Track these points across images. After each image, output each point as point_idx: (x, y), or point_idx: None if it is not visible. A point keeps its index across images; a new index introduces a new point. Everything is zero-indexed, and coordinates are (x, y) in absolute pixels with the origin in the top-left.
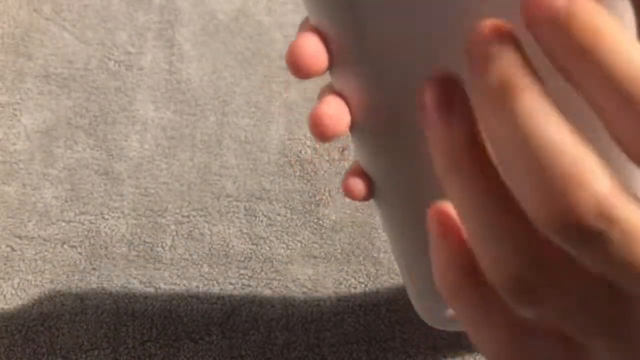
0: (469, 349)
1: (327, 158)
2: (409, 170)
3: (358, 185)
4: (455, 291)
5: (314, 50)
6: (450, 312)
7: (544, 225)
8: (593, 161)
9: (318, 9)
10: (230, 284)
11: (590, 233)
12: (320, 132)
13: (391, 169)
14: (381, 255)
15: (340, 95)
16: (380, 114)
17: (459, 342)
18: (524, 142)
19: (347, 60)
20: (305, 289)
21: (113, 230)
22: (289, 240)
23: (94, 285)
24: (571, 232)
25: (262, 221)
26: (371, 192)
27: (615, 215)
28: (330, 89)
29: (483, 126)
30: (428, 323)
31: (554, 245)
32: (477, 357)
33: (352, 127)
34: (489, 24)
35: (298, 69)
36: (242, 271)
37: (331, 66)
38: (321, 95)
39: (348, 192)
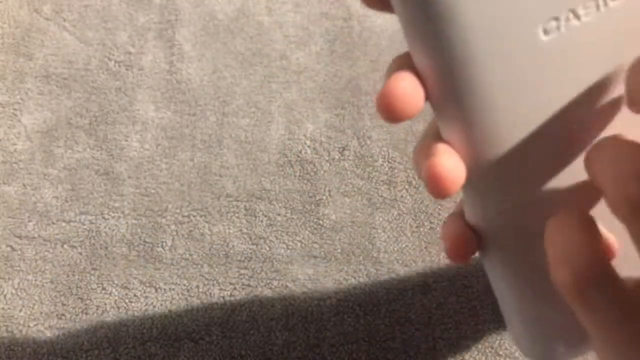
0: (469, 349)
1: (327, 158)
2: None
3: (467, 236)
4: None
5: (411, 90)
6: (562, 348)
7: None
8: None
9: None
10: (230, 284)
11: None
12: (441, 188)
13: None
14: (381, 255)
15: (449, 143)
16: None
17: (459, 342)
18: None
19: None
20: (305, 289)
21: (113, 230)
22: (289, 240)
23: (94, 285)
24: None
25: (262, 221)
26: (479, 246)
27: None
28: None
29: None
30: (527, 356)
31: None
32: (477, 357)
33: (467, 182)
34: None
35: (390, 111)
36: (242, 271)
37: (436, 111)
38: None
39: (454, 248)
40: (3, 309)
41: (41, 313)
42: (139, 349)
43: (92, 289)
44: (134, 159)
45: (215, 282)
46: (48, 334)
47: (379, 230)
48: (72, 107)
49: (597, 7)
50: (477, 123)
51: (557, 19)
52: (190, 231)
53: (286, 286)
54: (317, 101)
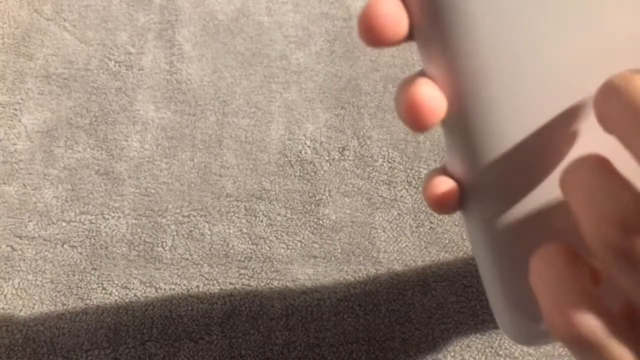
0: (469, 349)
1: (327, 158)
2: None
3: (447, 186)
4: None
5: (392, 11)
6: (543, 325)
7: (609, 258)
8: None
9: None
10: (230, 283)
11: None
12: (417, 117)
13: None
14: (381, 255)
15: (433, 79)
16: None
17: (459, 342)
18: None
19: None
20: (305, 289)
21: (113, 230)
22: (289, 240)
23: (94, 285)
24: (633, 261)
25: (262, 221)
26: (460, 200)
27: None
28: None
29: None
30: (515, 341)
31: None
32: (477, 357)
33: (446, 118)
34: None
35: (371, 30)
36: (242, 271)
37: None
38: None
39: (434, 197)
40: (3, 308)
41: (41, 313)
42: (139, 349)
43: (92, 289)
44: (134, 159)
45: (215, 282)
46: (48, 334)
47: (379, 230)
48: (72, 107)
49: None
50: (460, 54)
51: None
52: (190, 231)
53: (286, 286)
54: (317, 101)
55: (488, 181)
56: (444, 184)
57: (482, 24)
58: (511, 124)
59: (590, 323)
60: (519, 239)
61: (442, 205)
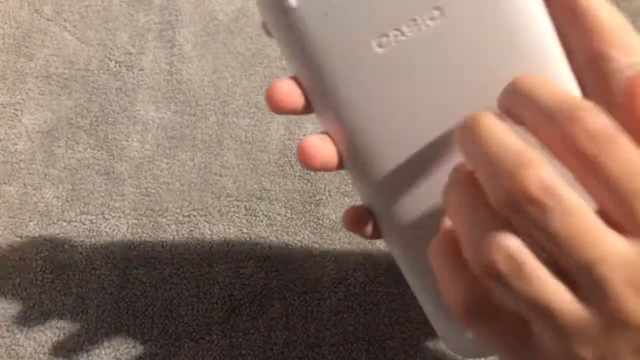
0: None
1: None
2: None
3: (363, 222)
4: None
5: (287, 90)
6: (472, 335)
7: (502, 201)
8: (539, 155)
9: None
10: (230, 283)
11: (534, 202)
12: (306, 158)
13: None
14: (381, 255)
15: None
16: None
17: None
18: (484, 147)
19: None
20: (305, 289)
21: (114, 230)
22: (289, 240)
23: (94, 285)
24: (520, 202)
25: (262, 221)
26: (379, 230)
27: (555, 190)
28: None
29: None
30: (453, 351)
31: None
32: None
33: (345, 165)
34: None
35: (273, 104)
36: (242, 271)
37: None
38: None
39: (347, 220)
40: (3, 308)
41: (41, 313)
42: (139, 349)
43: (92, 288)
44: (134, 159)
45: (215, 282)
46: (48, 333)
47: None
48: (72, 107)
49: (418, 26)
50: (336, 118)
51: (386, 35)
52: (191, 231)
53: (286, 286)
54: None
55: (383, 207)
56: (358, 209)
57: (353, 100)
58: (382, 165)
59: (477, 312)
60: (423, 248)
61: (356, 229)
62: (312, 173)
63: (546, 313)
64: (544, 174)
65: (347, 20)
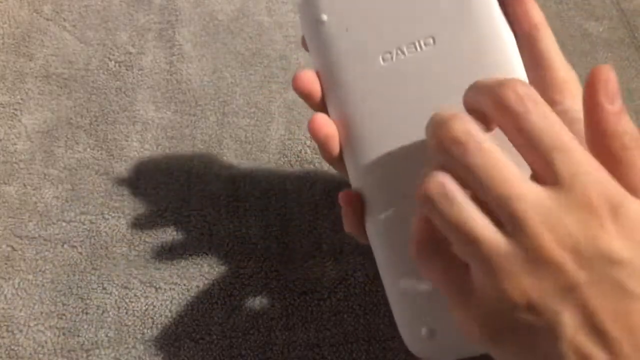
0: None
1: None
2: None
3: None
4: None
5: (311, 76)
6: (441, 344)
7: (435, 145)
8: (466, 115)
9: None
10: (231, 283)
11: (458, 142)
12: (316, 130)
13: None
14: None
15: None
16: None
17: None
18: (435, 118)
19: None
20: (305, 289)
21: (113, 230)
22: (288, 241)
23: (95, 285)
24: (447, 143)
25: (262, 221)
26: (364, 215)
27: (474, 135)
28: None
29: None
30: (414, 352)
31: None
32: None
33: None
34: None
35: (297, 89)
36: (241, 271)
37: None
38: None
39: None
40: (3, 308)
41: (41, 313)
42: (139, 349)
43: (92, 288)
44: (134, 159)
45: (215, 282)
46: (48, 333)
47: None
48: (72, 107)
49: (415, 48)
50: (342, 109)
51: (390, 52)
52: (190, 231)
53: (286, 286)
54: None
55: (369, 187)
56: (349, 196)
57: (357, 100)
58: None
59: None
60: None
61: (349, 210)
62: (312, 173)
63: (470, 239)
64: (467, 123)
65: (363, 37)
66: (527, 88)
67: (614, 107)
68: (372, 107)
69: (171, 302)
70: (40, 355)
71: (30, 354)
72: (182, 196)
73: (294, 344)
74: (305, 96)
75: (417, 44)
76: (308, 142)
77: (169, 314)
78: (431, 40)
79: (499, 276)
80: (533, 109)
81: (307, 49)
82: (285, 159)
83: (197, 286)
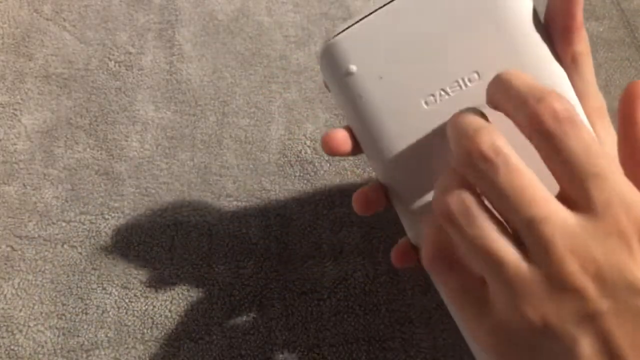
0: (469, 349)
1: (327, 158)
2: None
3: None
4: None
5: (342, 139)
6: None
7: (460, 159)
8: (495, 128)
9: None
10: (231, 283)
11: (485, 158)
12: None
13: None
14: (381, 255)
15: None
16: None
17: (459, 342)
18: (456, 124)
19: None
20: (305, 289)
21: (113, 230)
22: (288, 241)
23: (94, 285)
24: (474, 158)
25: (261, 221)
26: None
27: (503, 151)
28: None
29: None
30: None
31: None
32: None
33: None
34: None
35: (328, 149)
36: (242, 271)
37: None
38: None
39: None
40: (3, 309)
41: (41, 313)
42: (139, 349)
43: (92, 289)
44: (134, 159)
45: (215, 281)
46: (48, 334)
47: (378, 230)
48: (72, 107)
49: (460, 87)
50: (382, 160)
51: (433, 95)
52: (190, 231)
53: (286, 286)
54: (317, 101)
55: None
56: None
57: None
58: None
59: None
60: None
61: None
62: (312, 173)
63: (491, 260)
64: (496, 138)
65: (400, 83)
66: (566, 105)
67: None
68: (414, 154)
69: (171, 302)
70: (40, 356)
71: (30, 354)
72: (182, 196)
73: (294, 344)
74: (337, 154)
75: (461, 81)
76: (308, 142)
77: (169, 314)
78: (476, 76)
79: (519, 298)
80: (570, 131)
81: (329, 90)
82: (285, 159)
83: (197, 286)
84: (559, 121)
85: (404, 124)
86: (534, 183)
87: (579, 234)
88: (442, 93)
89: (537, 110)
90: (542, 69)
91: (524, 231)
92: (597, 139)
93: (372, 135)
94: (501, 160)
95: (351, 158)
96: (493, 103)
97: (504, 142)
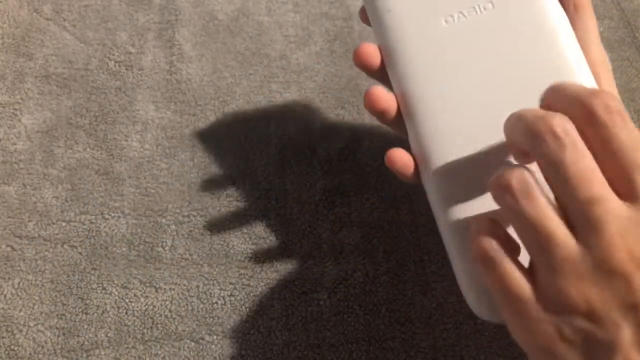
0: (469, 349)
1: (327, 158)
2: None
3: (406, 157)
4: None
5: (372, 50)
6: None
7: (530, 133)
8: (567, 117)
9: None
10: (230, 283)
11: (556, 136)
12: (372, 103)
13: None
14: (381, 255)
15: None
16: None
17: (459, 342)
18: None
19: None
20: (305, 289)
21: (113, 230)
22: (288, 241)
23: (94, 285)
24: (545, 132)
25: (261, 221)
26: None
27: (573, 135)
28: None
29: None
30: (478, 314)
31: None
32: (477, 357)
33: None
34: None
35: (357, 60)
36: (242, 271)
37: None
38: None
39: (395, 162)
40: (3, 308)
41: (41, 313)
42: (140, 349)
43: (92, 288)
44: (134, 159)
45: (215, 282)
46: (48, 333)
47: (378, 230)
48: (72, 107)
49: (476, 12)
50: (404, 75)
51: (452, 15)
52: (190, 231)
53: (286, 286)
54: (317, 101)
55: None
56: (405, 156)
57: (419, 60)
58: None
59: (490, 244)
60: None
61: (403, 170)
62: (312, 173)
63: (544, 238)
64: (567, 123)
65: (425, 3)
66: (617, 102)
67: None
68: (433, 68)
69: (171, 302)
70: (40, 355)
71: (30, 354)
72: (182, 196)
73: (294, 344)
74: (366, 68)
75: (477, 7)
76: (308, 142)
77: (169, 314)
78: (490, 5)
79: (565, 278)
80: (621, 123)
81: (365, 22)
82: (285, 158)
83: (197, 286)
84: (611, 113)
85: (425, 38)
86: (595, 167)
87: (630, 220)
88: (460, 15)
89: (591, 102)
90: (549, 7)
91: (578, 212)
92: None
93: (397, 47)
94: (569, 140)
95: (350, 158)
96: (547, 102)
97: (574, 128)
